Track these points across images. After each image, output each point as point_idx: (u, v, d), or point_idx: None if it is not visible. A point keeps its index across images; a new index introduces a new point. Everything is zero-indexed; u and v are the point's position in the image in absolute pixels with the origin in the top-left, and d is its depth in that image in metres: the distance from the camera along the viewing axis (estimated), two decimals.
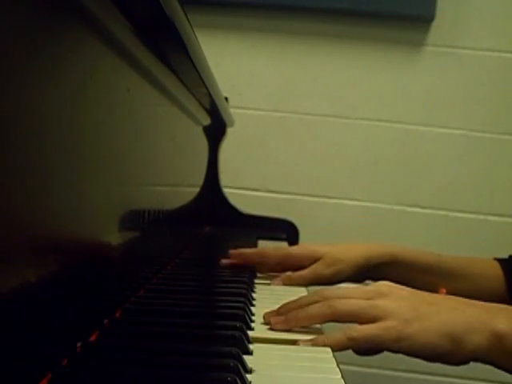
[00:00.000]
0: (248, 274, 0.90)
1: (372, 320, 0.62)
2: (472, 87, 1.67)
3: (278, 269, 0.94)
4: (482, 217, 1.66)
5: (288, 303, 0.67)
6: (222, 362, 0.48)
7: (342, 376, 0.52)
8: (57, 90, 0.43)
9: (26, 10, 0.37)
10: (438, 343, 0.60)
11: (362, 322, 0.63)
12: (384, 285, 0.67)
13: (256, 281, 0.90)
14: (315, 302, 0.65)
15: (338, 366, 0.54)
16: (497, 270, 0.99)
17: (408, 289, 0.67)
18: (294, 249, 0.98)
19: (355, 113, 1.69)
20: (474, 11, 1.66)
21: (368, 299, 0.64)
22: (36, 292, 0.41)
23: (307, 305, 0.65)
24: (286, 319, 0.64)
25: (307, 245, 0.97)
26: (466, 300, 0.66)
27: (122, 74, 0.61)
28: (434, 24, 1.66)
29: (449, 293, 0.85)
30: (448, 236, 1.66)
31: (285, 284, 0.90)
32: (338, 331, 0.62)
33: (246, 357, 0.52)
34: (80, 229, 0.50)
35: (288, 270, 0.93)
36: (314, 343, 0.61)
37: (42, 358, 0.43)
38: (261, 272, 0.95)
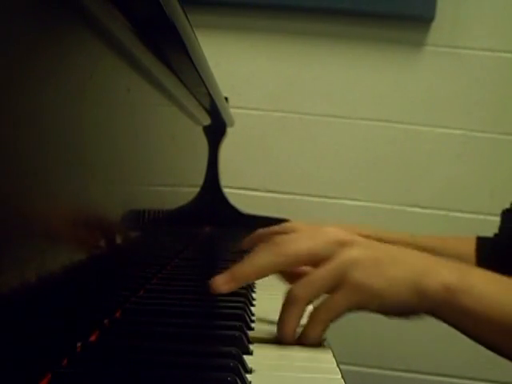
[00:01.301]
0: None
1: (326, 258, 0.59)
2: (472, 87, 1.67)
3: None
4: (481, 217, 1.66)
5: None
6: (221, 362, 0.48)
7: (342, 376, 0.52)
8: (57, 90, 0.43)
9: (26, 10, 0.37)
10: (406, 295, 0.59)
11: (315, 265, 0.60)
12: (331, 230, 0.62)
13: (256, 281, 0.90)
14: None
15: (338, 365, 0.54)
16: (471, 248, 0.99)
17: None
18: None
19: (355, 113, 1.69)
20: (474, 11, 1.66)
21: (321, 241, 0.61)
22: (36, 292, 0.41)
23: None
24: (230, 277, 0.59)
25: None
26: (416, 252, 0.64)
27: (122, 74, 0.61)
28: (434, 24, 1.66)
29: None
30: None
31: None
32: (305, 324, 0.60)
33: (246, 357, 0.52)
34: (80, 229, 0.50)
35: None
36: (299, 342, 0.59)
37: (42, 357, 0.43)
38: None
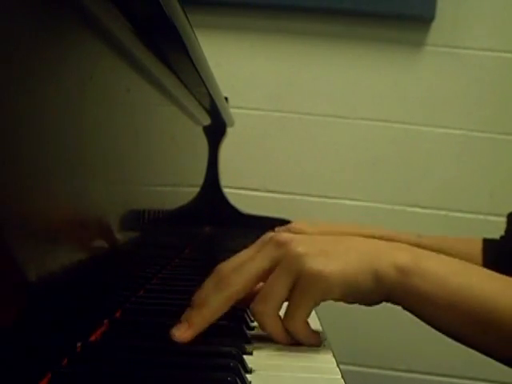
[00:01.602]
0: None
1: (275, 266, 0.57)
2: (472, 87, 1.67)
3: None
4: (481, 217, 1.66)
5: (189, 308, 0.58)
6: (221, 361, 0.48)
7: (342, 376, 0.52)
8: (57, 90, 0.43)
9: (26, 10, 0.37)
10: (363, 279, 0.57)
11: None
12: (269, 237, 0.60)
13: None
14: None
15: (338, 365, 0.54)
16: (477, 250, 0.99)
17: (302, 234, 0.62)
18: None
19: (355, 113, 1.69)
20: (474, 11, 1.66)
21: (264, 255, 0.59)
22: (36, 292, 0.41)
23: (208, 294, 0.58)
24: (189, 324, 0.56)
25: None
26: (364, 238, 0.63)
27: (122, 74, 0.61)
28: (434, 24, 1.66)
29: None
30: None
31: None
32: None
33: (246, 357, 0.52)
34: (80, 229, 0.50)
35: None
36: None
37: (42, 358, 0.43)
38: None
